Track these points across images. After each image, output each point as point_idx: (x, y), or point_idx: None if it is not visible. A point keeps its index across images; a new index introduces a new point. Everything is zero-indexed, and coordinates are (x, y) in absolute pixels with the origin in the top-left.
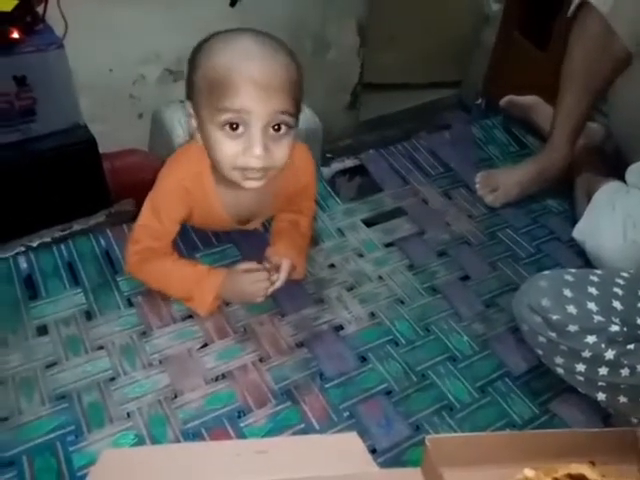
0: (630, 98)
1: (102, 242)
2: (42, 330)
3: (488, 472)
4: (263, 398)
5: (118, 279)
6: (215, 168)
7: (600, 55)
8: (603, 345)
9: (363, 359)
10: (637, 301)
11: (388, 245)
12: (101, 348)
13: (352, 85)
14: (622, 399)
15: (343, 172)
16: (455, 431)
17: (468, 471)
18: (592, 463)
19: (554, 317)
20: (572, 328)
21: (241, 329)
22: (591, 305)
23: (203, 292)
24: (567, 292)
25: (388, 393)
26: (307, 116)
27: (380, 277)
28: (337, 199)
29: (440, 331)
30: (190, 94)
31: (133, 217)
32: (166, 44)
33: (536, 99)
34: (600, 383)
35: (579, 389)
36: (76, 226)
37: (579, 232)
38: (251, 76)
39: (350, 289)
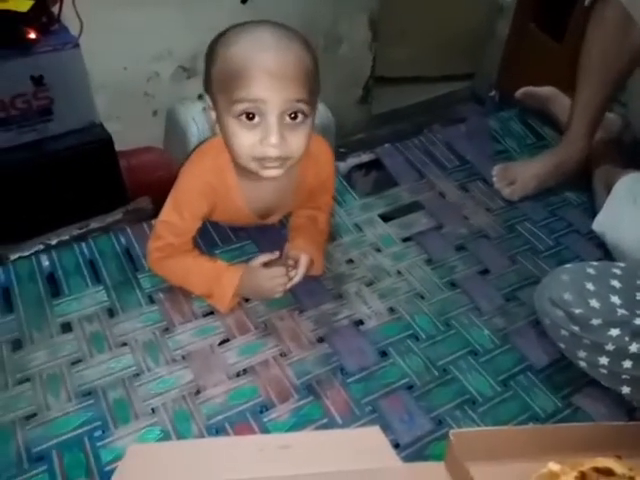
0: None
1: (122, 240)
2: (66, 327)
3: (512, 466)
4: (285, 393)
5: (139, 276)
6: (236, 162)
7: (619, 45)
8: (627, 338)
9: (384, 354)
10: None
11: (406, 240)
12: (124, 345)
13: (364, 79)
14: None
15: (359, 167)
16: (478, 425)
17: (492, 465)
18: (618, 457)
19: (577, 311)
20: (595, 322)
21: (262, 325)
22: (614, 298)
23: (222, 289)
24: (589, 285)
25: (410, 388)
26: (320, 111)
27: (399, 272)
28: (354, 194)
29: (460, 325)
30: (208, 87)
31: (150, 215)
32: (179, 41)
33: (553, 90)
34: (624, 376)
35: (602, 382)
36: (93, 224)
37: (599, 224)
38: (265, 66)
39: (369, 284)
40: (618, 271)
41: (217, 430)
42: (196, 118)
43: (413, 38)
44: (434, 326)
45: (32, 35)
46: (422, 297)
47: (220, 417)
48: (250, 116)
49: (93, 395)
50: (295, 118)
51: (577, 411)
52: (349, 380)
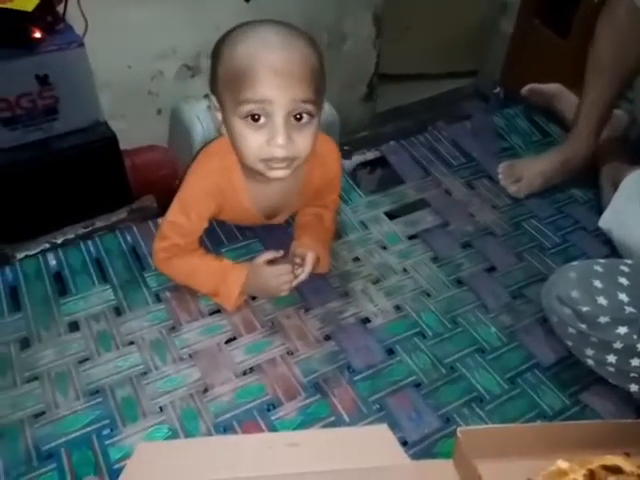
0: None
1: (128, 238)
2: (73, 326)
3: (521, 463)
4: (293, 391)
5: (146, 275)
6: (243, 162)
7: (630, 43)
8: (635, 336)
9: (391, 352)
10: None
11: (412, 237)
12: (131, 343)
13: (368, 76)
14: None
15: (364, 164)
16: (485, 423)
17: (500, 463)
18: (627, 454)
19: (584, 309)
20: (603, 319)
21: (268, 323)
22: (622, 296)
23: (229, 287)
24: (597, 283)
25: (417, 385)
26: (324, 108)
27: (405, 270)
28: (359, 192)
29: (467, 323)
30: (214, 87)
31: (154, 213)
32: (183, 40)
33: (559, 87)
34: (632, 374)
35: (610, 380)
36: (98, 223)
37: (605, 221)
38: (271, 65)
39: (375, 282)
40: (626, 268)
41: (225, 428)
42: (200, 116)
43: (417, 35)
44: (441, 324)
45: (37, 34)
46: (428, 295)
47: (228, 415)
48: (256, 117)
49: (101, 393)
50: (301, 119)
51: (585, 409)
52: (356, 378)
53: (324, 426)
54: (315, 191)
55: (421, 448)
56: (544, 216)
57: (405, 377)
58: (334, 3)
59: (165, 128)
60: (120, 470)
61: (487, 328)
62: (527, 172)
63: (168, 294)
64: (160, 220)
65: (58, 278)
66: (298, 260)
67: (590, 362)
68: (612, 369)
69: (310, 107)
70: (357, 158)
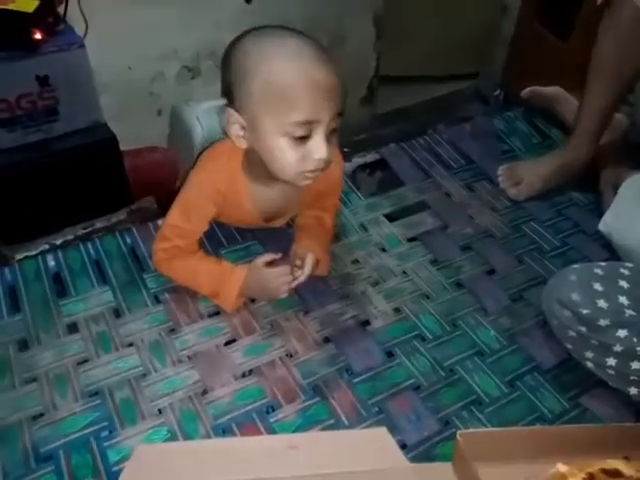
0: None
1: (128, 240)
2: (72, 328)
3: (520, 467)
4: (292, 394)
5: (145, 277)
6: (246, 166)
7: (632, 46)
8: (635, 339)
9: (390, 354)
10: None
11: (411, 240)
12: (131, 345)
13: (368, 78)
14: None
15: (364, 167)
16: (485, 426)
17: (500, 466)
18: (626, 458)
19: (584, 311)
20: (603, 322)
21: (268, 325)
22: (622, 299)
23: (228, 288)
24: (597, 286)
25: (416, 388)
26: None
27: (404, 272)
28: (359, 194)
29: (467, 326)
30: (239, 102)
31: (154, 215)
32: (183, 41)
33: (559, 90)
34: (632, 377)
35: (610, 383)
36: (98, 224)
37: (605, 225)
38: (318, 85)
39: (375, 284)
40: (626, 271)
41: (224, 430)
42: (200, 118)
43: (418, 37)
44: (440, 326)
45: (38, 35)
46: (428, 297)
47: (227, 417)
48: (303, 137)
49: (100, 395)
50: (334, 132)
51: (585, 412)
52: (355, 381)
53: (323, 429)
54: (317, 195)
55: (420, 451)
56: (544, 219)
57: (404, 380)
58: (334, 4)
59: (165, 129)
60: (119, 472)
61: (487, 331)
62: (527, 175)
63: (167, 296)
64: (160, 222)
65: (57, 279)
66: (298, 262)
67: (590, 365)
68: (612, 372)
69: (339, 120)
70: (357, 160)
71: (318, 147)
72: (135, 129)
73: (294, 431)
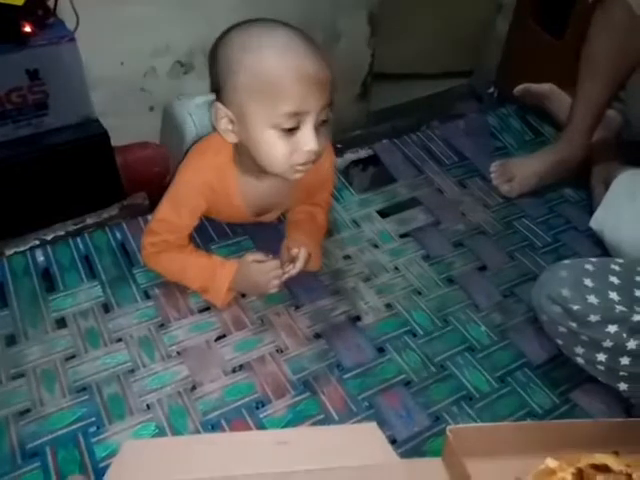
0: None
1: (118, 235)
2: (61, 323)
3: (510, 462)
4: (282, 389)
5: (135, 272)
6: (236, 160)
7: (625, 44)
8: (625, 335)
9: (381, 350)
10: None
11: (403, 236)
12: (119, 340)
13: (363, 75)
14: None
15: (356, 162)
16: (475, 421)
17: (489, 461)
18: (616, 453)
19: (575, 307)
20: (593, 318)
21: (258, 320)
22: (613, 295)
23: (217, 283)
24: (588, 282)
25: (407, 384)
26: None
27: (396, 268)
28: (351, 190)
29: (458, 321)
30: (226, 96)
31: (145, 210)
32: (176, 36)
33: (552, 87)
34: (622, 373)
35: (600, 379)
36: (89, 219)
37: (597, 221)
38: (307, 76)
39: (366, 280)
40: (617, 267)
41: (213, 426)
42: (192, 114)
43: (412, 34)
44: (431, 322)
45: (28, 29)
46: (419, 293)
47: (216, 413)
48: (292, 129)
49: (88, 391)
50: (324, 123)
51: (574, 408)
52: (346, 376)
53: (313, 424)
54: (307, 190)
55: (410, 446)
56: (536, 215)
57: (395, 375)
58: (329, 1)
59: (157, 125)
60: (106, 468)
61: (477, 327)
62: (519, 172)
63: (157, 291)
64: (150, 217)
65: (46, 275)
66: (291, 254)
67: (580, 360)
68: (602, 367)
69: (329, 112)
70: (350, 156)
71: (307, 139)
72: (127, 125)
73: (284, 426)
